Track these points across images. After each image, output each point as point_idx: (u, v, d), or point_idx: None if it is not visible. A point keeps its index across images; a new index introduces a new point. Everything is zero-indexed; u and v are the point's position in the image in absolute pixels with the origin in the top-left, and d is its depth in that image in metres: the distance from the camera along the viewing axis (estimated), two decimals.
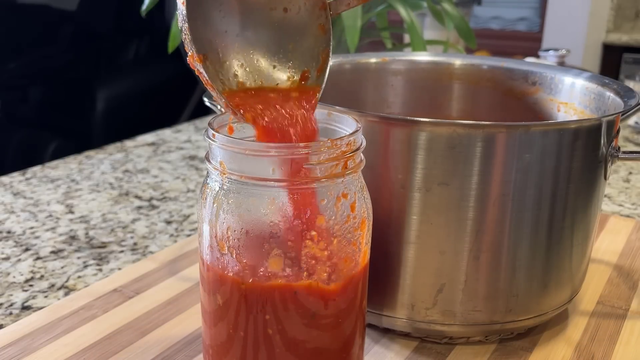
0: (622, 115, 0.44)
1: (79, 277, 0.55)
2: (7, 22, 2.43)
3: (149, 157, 0.87)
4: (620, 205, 0.75)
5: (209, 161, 0.34)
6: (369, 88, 0.60)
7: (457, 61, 0.60)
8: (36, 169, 0.81)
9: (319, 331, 0.35)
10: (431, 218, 0.41)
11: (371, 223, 0.37)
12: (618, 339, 0.47)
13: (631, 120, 1.06)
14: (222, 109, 0.35)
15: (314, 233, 0.33)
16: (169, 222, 0.66)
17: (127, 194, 0.74)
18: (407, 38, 1.21)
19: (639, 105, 0.44)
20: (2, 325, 0.47)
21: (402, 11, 0.81)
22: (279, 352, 0.35)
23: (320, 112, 0.38)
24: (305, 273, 0.33)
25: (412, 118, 0.40)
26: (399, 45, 0.98)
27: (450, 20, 0.86)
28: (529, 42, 2.74)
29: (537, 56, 1.29)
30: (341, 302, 0.35)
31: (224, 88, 0.34)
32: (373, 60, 0.60)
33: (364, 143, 0.35)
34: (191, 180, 0.79)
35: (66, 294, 0.52)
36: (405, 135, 0.40)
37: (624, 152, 0.44)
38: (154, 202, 0.71)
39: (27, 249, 0.60)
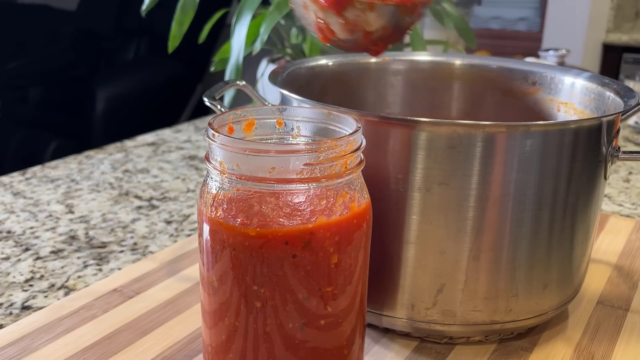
0: (622, 115, 0.44)
1: (79, 277, 0.55)
2: (7, 22, 2.42)
3: (149, 157, 0.87)
4: (620, 205, 0.75)
5: (209, 161, 0.34)
6: (369, 88, 0.60)
7: (457, 61, 0.60)
8: (36, 169, 0.81)
9: (318, 331, 0.35)
10: (431, 218, 0.41)
11: (371, 223, 0.37)
12: (618, 339, 0.47)
13: (631, 120, 1.06)
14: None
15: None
16: (169, 222, 0.66)
17: (127, 194, 0.74)
18: (407, 38, 1.21)
19: (639, 105, 0.44)
20: (2, 325, 0.47)
21: None
22: (279, 352, 0.35)
23: (320, 112, 0.38)
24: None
25: (412, 118, 0.40)
26: (399, 45, 0.97)
27: (450, 20, 0.86)
28: (529, 42, 2.74)
29: (537, 56, 1.29)
30: (341, 301, 0.35)
31: None
32: (373, 60, 0.60)
33: (364, 143, 0.35)
34: (191, 180, 0.78)
35: (66, 294, 0.52)
36: (405, 135, 0.40)
37: (624, 152, 0.44)
38: (154, 202, 0.71)
39: (27, 249, 0.60)
